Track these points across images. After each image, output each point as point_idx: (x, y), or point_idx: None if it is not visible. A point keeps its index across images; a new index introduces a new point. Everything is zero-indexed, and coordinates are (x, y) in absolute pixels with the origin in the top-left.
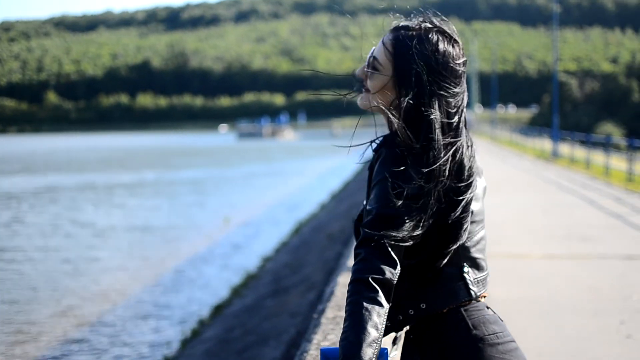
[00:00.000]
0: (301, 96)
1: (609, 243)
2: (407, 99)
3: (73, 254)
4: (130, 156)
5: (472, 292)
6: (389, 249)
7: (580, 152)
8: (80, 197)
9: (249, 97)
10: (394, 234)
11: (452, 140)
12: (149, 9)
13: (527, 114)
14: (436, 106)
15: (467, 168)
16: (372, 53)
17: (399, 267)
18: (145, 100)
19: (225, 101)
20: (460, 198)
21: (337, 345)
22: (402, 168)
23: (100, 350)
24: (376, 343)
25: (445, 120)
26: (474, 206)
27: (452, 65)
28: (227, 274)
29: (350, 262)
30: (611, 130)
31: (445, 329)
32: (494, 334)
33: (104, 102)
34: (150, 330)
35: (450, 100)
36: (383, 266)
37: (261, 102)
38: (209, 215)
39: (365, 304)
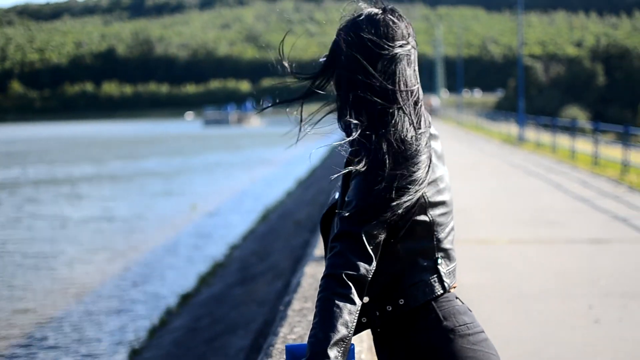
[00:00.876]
0: (267, 82)
1: (575, 227)
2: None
3: (35, 248)
4: (93, 145)
5: (446, 285)
6: (366, 244)
7: (546, 136)
8: (41, 190)
9: (214, 84)
10: (373, 229)
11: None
12: None
13: (493, 98)
14: None
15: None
16: None
17: (374, 263)
18: (111, 88)
19: (191, 88)
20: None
21: (304, 340)
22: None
23: (66, 346)
24: (345, 341)
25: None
26: (445, 197)
27: None
28: (194, 262)
29: (317, 251)
30: (576, 113)
31: (415, 321)
32: (464, 324)
33: (69, 91)
34: (117, 321)
35: None
36: (358, 262)
37: (227, 89)
38: (175, 203)
39: (336, 300)
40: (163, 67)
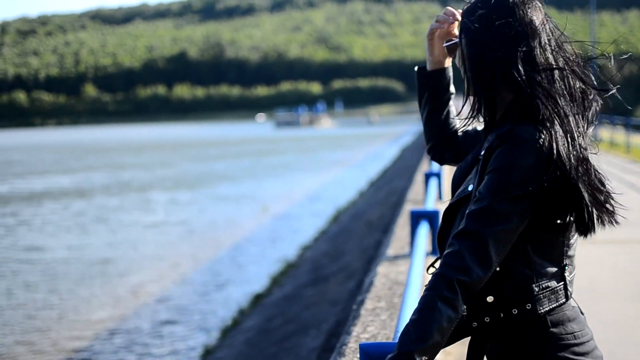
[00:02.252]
0: (338, 84)
1: None
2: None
3: (112, 253)
4: (167, 147)
5: (569, 293)
6: (489, 248)
7: (620, 135)
8: (117, 195)
9: (285, 86)
10: (503, 232)
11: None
12: (184, 0)
13: None
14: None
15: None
16: None
17: (492, 270)
18: (182, 91)
19: (262, 91)
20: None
21: (378, 339)
22: (528, 160)
23: (143, 343)
24: (436, 349)
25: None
26: None
27: None
28: (266, 263)
29: (390, 250)
30: None
31: (521, 325)
32: (571, 333)
33: (141, 94)
34: (191, 321)
35: None
36: (475, 267)
37: (298, 90)
38: (246, 206)
39: (440, 304)
40: (234, 69)
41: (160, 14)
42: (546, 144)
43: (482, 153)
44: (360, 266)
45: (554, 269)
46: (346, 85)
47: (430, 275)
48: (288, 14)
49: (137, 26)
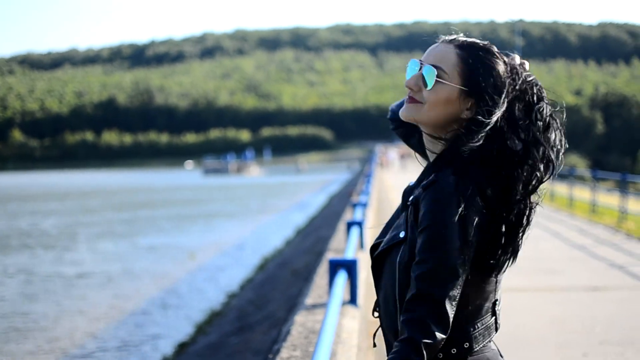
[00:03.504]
0: (267, 132)
1: (573, 275)
2: (496, 110)
3: (28, 307)
4: (92, 195)
5: (498, 325)
6: (447, 310)
7: (544, 184)
8: (27, 242)
9: (214, 133)
10: (453, 288)
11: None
12: (114, 46)
13: None
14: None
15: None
16: (428, 64)
17: (450, 326)
18: (111, 137)
19: (191, 137)
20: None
21: None
22: (463, 209)
23: None
24: None
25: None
26: None
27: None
28: (191, 311)
29: (308, 300)
30: (575, 161)
31: None
32: None
33: (69, 140)
34: None
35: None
36: (437, 329)
37: (227, 138)
38: (173, 254)
39: None
40: (163, 116)
41: (89, 59)
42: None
43: (412, 197)
44: (284, 315)
45: (488, 305)
46: (275, 133)
47: (375, 318)
48: (218, 61)
49: (66, 71)
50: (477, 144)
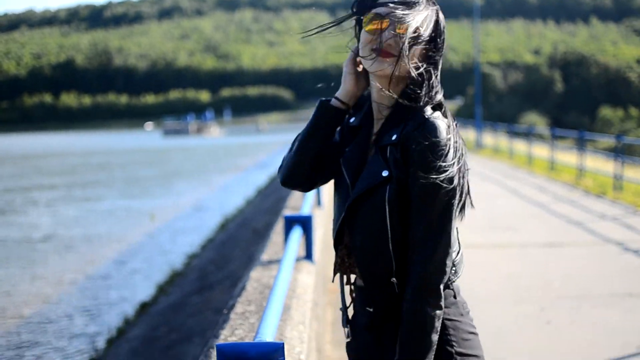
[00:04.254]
0: (226, 92)
1: (530, 232)
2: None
3: None
4: (50, 157)
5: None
6: (453, 234)
7: (503, 142)
8: None
9: (174, 95)
10: (454, 210)
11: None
12: (71, 7)
13: (452, 105)
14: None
15: None
16: (406, 21)
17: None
18: (69, 99)
19: (150, 99)
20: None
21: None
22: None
23: (23, 351)
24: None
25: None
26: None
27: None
28: (153, 271)
29: (264, 256)
30: (535, 120)
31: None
32: (464, 302)
33: (27, 102)
34: (75, 332)
35: None
36: (449, 262)
37: (187, 99)
38: (132, 216)
39: (430, 313)
40: (122, 77)
41: (46, 21)
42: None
43: (395, 138)
44: (245, 273)
45: (456, 245)
46: (235, 94)
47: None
48: (176, 22)
49: (23, 33)
50: (438, 88)
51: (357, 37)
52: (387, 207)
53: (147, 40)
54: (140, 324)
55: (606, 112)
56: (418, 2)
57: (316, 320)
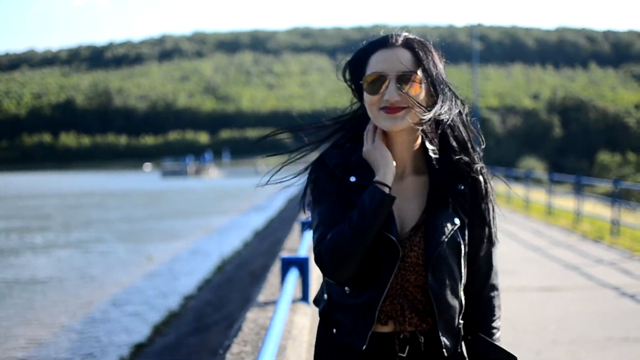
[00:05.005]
0: (226, 134)
1: (528, 275)
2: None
3: None
4: (46, 197)
5: None
6: None
7: (501, 186)
8: None
9: (173, 136)
10: None
11: None
12: (73, 48)
13: None
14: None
15: None
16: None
17: None
18: (69, 139)
19: (149, 140)
20: None
21: None
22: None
23: None
24: None
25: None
26: None
27: None
28: (150, 312)
29: (261, 297)
30: (533, 164)
31: None
32: None
33: (26, 142)
34: None
35: None
36: None
37: (186, 140)
38: (130, 257)
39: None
40: (122, 118)
41: (47, 61)
42: None
43: (462, 187)
44: (242, 315)
45: None
46: (234, 135)
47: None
48: (176, 63)
49: (23, 73)
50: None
51: (357, 94)
52: (462, 255)
53: (147, 81)
54: None
55: (604, 157)
56: (417, 48)
57: None
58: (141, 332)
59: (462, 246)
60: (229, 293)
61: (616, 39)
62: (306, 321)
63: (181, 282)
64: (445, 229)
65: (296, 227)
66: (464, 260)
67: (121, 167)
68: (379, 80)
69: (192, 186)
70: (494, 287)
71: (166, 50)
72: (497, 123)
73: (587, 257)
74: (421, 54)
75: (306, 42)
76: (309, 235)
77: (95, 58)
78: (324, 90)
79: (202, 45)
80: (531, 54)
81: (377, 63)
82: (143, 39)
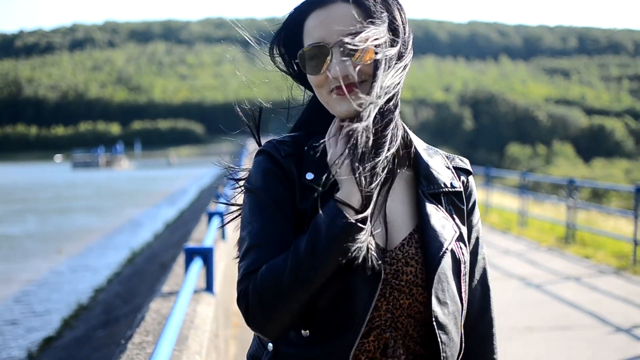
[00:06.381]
0: (137, 125)
1: None
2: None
3: None
4: None
5: None
6: None
7: None
8: None
9: (84, 127)
10: None
11: None
12: None
13: None
14: None
15: None
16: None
17: None
18: None
19: (60, 130)
20: None
21: None
22: None
23: None
24: None
25: None
26: None
27: None
28: (59, 306)
29: (165, 287)
30: None
31: None
32: None
33: None
34: None
35: None
36: None
37: (97, 131)
38: (39, 248)
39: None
40: (32, 108)
41: None
42: None
43: (454, 184)
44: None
45: None
46: (146, 127)
47: None
48: (88, 53)
49: None
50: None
51: (299, 80)
52: (462, 268)
53: (58, 71)
54: (43, 359)
55: (514, 149)
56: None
57: (215, 352)
58: (50, 326)
59: (462, 263)
60: (138, 285)
61: (527, 33)
62: (209, 311)
63: (91, 274)
64: (446, 235)
65: (203, 218)
66: (465, 284)
67: (32, 158)
68: (321, 53)
69: (103, 177)
70: (491, 322)
71: (78, 39)
72: (409, 115)
73: (494, 248)
74: (369, 3)
75: (219, 33)
76: (215, 224)
77: (5, 47)
78: (236, 81)
79: (114, 34)
80: (443, 47)
81: (313, 30)
82: (54, 28)
